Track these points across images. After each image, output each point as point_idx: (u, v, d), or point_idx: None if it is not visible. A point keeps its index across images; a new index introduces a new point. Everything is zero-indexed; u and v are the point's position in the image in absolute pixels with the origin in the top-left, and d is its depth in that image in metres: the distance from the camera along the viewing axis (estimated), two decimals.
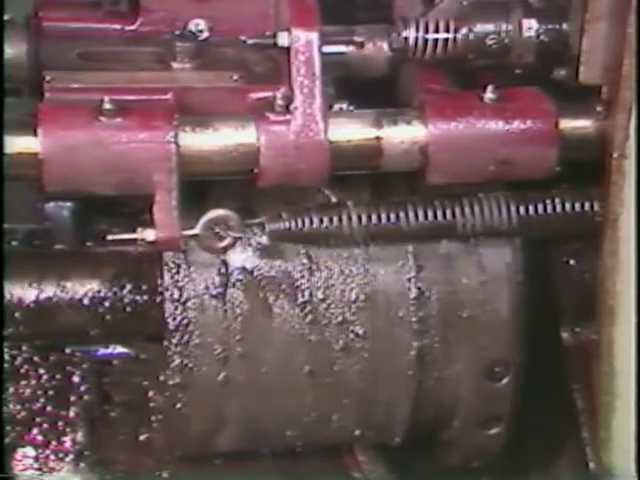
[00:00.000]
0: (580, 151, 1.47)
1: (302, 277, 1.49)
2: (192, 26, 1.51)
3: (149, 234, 1.40)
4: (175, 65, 1.47)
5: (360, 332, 1.51)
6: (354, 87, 1.53)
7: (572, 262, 1.67)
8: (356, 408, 1.55)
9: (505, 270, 1.51)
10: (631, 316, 1.29)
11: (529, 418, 1.65)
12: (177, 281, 1.49)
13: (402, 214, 1.44)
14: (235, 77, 1.47)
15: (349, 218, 1.44)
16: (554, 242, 1.61)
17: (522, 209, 1.45)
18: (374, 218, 1.44)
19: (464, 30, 1.49)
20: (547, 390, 1.66)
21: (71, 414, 1.66)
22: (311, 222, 1.44)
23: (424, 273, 1.51)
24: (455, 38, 1.49)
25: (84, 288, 1.57)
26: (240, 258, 1.49)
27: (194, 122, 1.40)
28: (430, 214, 1.44)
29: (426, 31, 1.48)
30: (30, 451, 1.66)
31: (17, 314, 1.54)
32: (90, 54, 1.48)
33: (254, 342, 1.49)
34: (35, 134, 1.36)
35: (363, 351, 1.51)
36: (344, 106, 1.46)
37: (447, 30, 1.48)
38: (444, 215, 1.44)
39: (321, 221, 1.44)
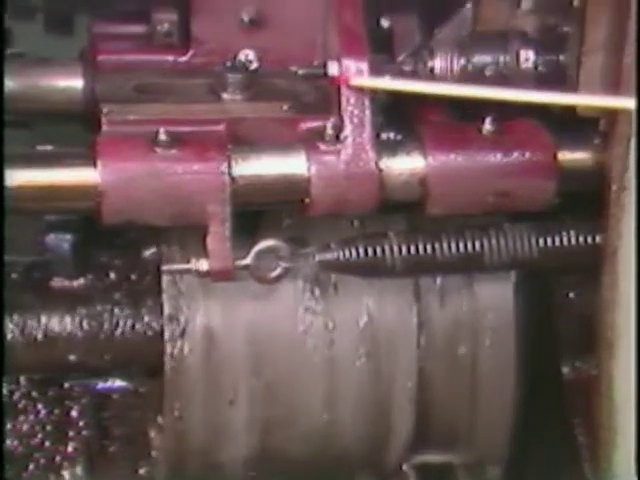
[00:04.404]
0: (579, 183, 1.47)
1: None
2: (242, 57, 1.53)
3: (202, 264, 1.41)
4: (226, 96, 1.49)
5: None
6: None
7: (572, 295, 1.67)
8: None
9: None
10: (631, 350, 1.28)
11: (530, 453, 1.64)
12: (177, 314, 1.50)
13: (437, 245, 1.45)
14: (285, 107, 1.48)
15: (391, 249, 1.45)
16: (554, 274, 1.60)
17: (541, 241, 1.46)
18: (412, 249, 1.45)
19: (462, 60, 1.50)
20: (548, 425, 1.65)
21: (69, 449, 1.65)
22: (357, 253, 1.45)
23: None
24: (453, 69, 1.50)
25: (81, 321, 1.57)
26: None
27: (246, 152, 1.42)
28: (462, 245, 1.45)
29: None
30: None
31: (17, 346, 1.55)
32: (145, 86, 1.51)
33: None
34: (94, 166, 1.38)
35: None
36: (391, 135, 1.47)
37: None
38: (473, 246, 1.45)
39: (366, 252, 1.45)
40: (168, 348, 1.50)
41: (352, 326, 1.52)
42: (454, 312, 1.53)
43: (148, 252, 1.63)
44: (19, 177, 1.39)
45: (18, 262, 1.62)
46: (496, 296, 1.53)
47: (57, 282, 1.60)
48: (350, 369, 1.52)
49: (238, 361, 1.51)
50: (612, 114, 1.35)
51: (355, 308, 1.52)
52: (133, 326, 1.57)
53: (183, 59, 1.55)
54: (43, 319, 1.57)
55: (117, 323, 1.57)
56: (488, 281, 1.53)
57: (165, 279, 1.51)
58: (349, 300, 1.52)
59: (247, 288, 1.50)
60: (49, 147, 1.48)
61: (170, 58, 1.56)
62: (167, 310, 1.51)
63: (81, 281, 1.60)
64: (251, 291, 1.51)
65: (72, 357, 1.57)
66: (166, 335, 1.50)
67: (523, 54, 1.48)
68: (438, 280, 1.54)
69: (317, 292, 1.52)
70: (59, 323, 1.57)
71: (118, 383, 1.67)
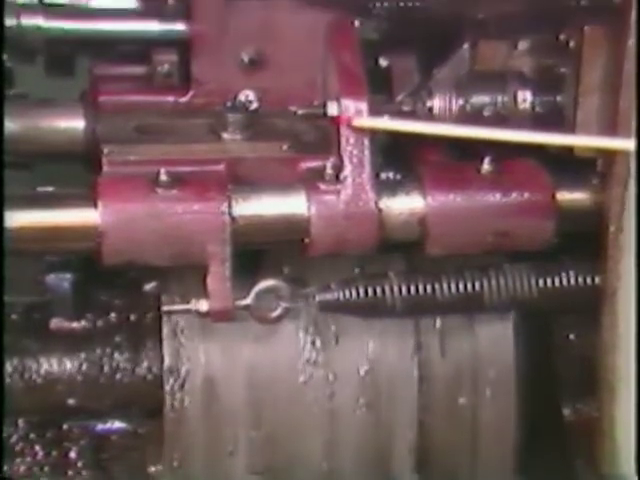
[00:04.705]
0: (578, 223, 1.46)
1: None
2: (242, 97, 1.54)
3: (202, 305, 1.42)
4: (226, 136, 1.49)
5: None
6: None
7: (572, 336, 1.66)
8: None
9: None
10: (631, 392, 1.27)
11: None
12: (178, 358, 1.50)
13: (437, 285, 1.46)
14: (285, 147, 1.49)
15: (391, 289, 1.45)
16: (554, 316, 1.60)
17: (541, 281, 1.46)
18: (412, 289, 1.46)
19: (460, 101, 1.51)
20: (550, 468, 1.63)
21: None
22: (357, 293, 1.46)
23: None
24: (451, 109, 1.51)
25: (80, 365, 1.57)
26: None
27: (246, 192, 1.42)
28: (462, 285, 1.45)
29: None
30: None
31: (16, 390, 1.54)
32: (145, 127, 1.51)
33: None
34: (95, 207, 1.38)
35: None
36: (391, 175, 1.48)
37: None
38: (473, 286, 1.45)
39: (366, 292, 1.46)
40: (168, 400, 1.50)
41: (353, 377, 1.52)
42: (455, 361, 1.53)
43: (148, 288, 1.63)
44: (20, 218, 1.40)
45: (18, 302, 1.62)
46: (496, 343, 1.53)
47: (57, 323, 1.59)
48: (350, 419, 1.52)
49: (238, 412, 1.51)
50: (610, 155, 1.35)
51: (356, 359, 1.52)
52: (133, 370, 1.57)
53: (183, 100, 1.56)
54: (42, 363, 1.56)
55: (117, 367, 1.57)
56: (489, 326, 1.53)
57: (165, 330, 1.51)
58: (350, 351, 1.52)
59: (247, 335, 1.50)
60: (50, 188, 1.49)
61: (170, 99, 1.57)
62: (167, 362, 1.50)
63: (81, 322, 1.60)
64: (252, 339, 1.51)
65: (71, 401, 1.57)
66: (166, 387, 1.50)
67: (521, 95, 1.49)
68: (438, 326, 1.53)
69: (318, 343, 1.52)
70: (58, 367, 1.56)
71: (117, 424, 1.65)
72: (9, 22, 1.53)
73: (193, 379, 1.50)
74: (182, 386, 1.50)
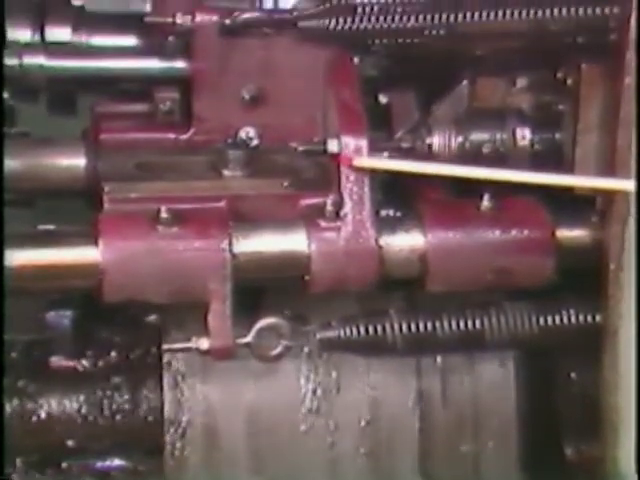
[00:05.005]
0: (578, 261, 1.46)
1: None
2: (243, 134, 1.54)
3: (203, 343, 1.41)
4: (227, 173, 1.50)
5: None
6: None
7: (573, 375, 1.65)
8: None
9: None
10: (632, 434, 1.26)
11: None
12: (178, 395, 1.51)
13: (438, 323, 1.46)
14: (285, 184, 1.49)
15: (392, 327, 1.46)
16: (555, 354, 1.59)
17: (542, 319, 1.46)
18: (413, 327, 1.46)
19: (460, 138, 1.51)
20: None
21: None
22: (358, 331, 1.46)
23: None
24: (450, 146, 1.51)
25: (80, 407, 1.56)
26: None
27: (247, 229, 1.43)
28: (462, 323, 1.46)
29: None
30: None
31: (15, 430, 1.53)
32: (146, 164, 1.52)
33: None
34: (96, 244, 1.39)
35: None
36: (391, 212, 1.48)
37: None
38: (474, 324, 1.46)
39: (367, 330, 1.46)
40: (169, 448, 1.50)
41: (353, 426, 1.52)
42: (456, 408, 1.53)
43: (149, 325, 1.63)
44: (21, 257, 1.40)
45: (17, 340, 1.62)
46: (498, 387, 1.53)
47: (56, 362, 1.59)
48: (351, 469, 1.52)
49: (239, 460, 1.51)
50: (609, 193, 1.34)
51: (357, 408, 1.52)
52: (133, 411, 1.56)
53: (184, 137, 1.57)
54: (41, 404, 1.56)
55: (117, 408, 1.56)
56: (490, 367, 1.53)
57: (166, 379, 1.51)
58: (351, 400, 1.52)
59: (248, 382, 1.50)
60: (51, 226, 1.49)
61: (172, 136, 1.58)
62: (168, 412, 1.51)
63: (81, 361, 1.59)
64: (253, 387, 1.51)
65: (70, 442, 1.56)
66: (167, 437, 1.50)
67: (519, 132, 1.49)
68: (439, 371, 1.53)
69: (319, 392, 1.52)
70: (57, 408, 1.56)
71: (117, 462, 1.65)
72: (11, 62, 1.54)
73: (194, 428, 1.50)
74: (183, 435, 1.50)
